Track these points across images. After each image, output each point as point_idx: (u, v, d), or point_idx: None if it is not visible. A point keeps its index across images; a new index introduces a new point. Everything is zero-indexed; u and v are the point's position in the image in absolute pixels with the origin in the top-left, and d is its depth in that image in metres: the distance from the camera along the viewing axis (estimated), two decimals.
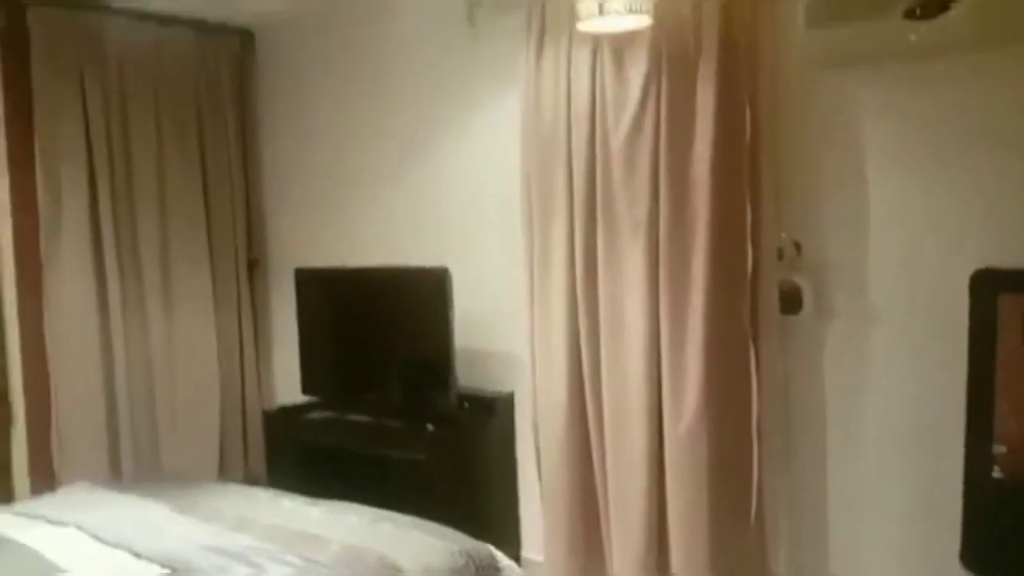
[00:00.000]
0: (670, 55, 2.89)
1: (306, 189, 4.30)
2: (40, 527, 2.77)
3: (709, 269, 2.87)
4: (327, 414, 3.77)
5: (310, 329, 3.89)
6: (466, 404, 3.48)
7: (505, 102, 3.44)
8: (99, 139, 3.84)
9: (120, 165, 3.91)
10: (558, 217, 3.19)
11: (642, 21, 2.64)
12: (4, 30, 3.62)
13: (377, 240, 3.99)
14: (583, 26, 2.69)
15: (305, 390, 3.89)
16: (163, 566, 2.42)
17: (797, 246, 2.89)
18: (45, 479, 3.67)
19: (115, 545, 2.59)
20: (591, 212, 3.11)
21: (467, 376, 3.50)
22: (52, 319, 3.72)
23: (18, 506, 3.07)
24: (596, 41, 3.02)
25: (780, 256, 2.90)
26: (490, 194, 3.58)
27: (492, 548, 2.63)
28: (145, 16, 3.95)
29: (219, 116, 4.28)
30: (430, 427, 3.35)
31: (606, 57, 3.02)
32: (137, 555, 2.51)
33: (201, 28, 4.19)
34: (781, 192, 2.91)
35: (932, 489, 2.67)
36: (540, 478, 3.32)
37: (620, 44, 2.97)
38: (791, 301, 2.90)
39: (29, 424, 3.71)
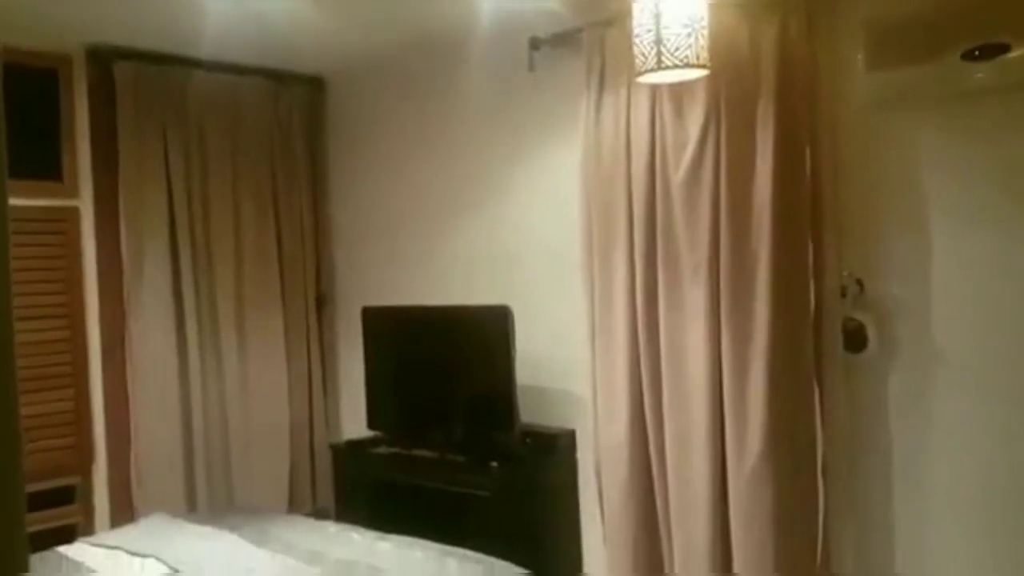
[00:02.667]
0: (728, 97, 2.94)
1: (373, 229, 4.43)
2: (119, 557, 2.90)
3: (771, 308, 2.88)
4: (392, 449, 3.85)
5: (376, 366, 3.99)
6: (528, 441, 3.52)
7: (566, 145, 3.51)
8: (179, 186, 4.02)
9: (198, 211, 4.10)
10: (618, 257, 3.23)
11: (699, 73, 2.69)
12: (92, 85, 3.85)
13: (441, 279, 4.08)
14: (642, 79, 2.75)
15: (371, 425, 3.98)
16: None
17: (860, 284, 2.89)
18: (124, 512, 3.82)
19: None
20: (651, 253, 3.15)
21: (529, 413, 3.54)
22: (134, 361, 3.89)
23: (98, 537, 3.21)
24: (655, 86, 3.08)
25: (843, 294, 2.90)
26: (552, 234, 3.64)
27: None
28: (223, 67, 4.16)
29: (291, 161, 4.46)
30: (494, 464, 3.40)
31: (665, 101, 3.08)
32: None
33: (275, 77, 4.39)
34: (843, 230, 2.92)
35: (1007, 537, 2.61)
36: (602, 517, 3.33)
37: (679, 88, 3.03)
38: (855, 339, 2.89)
39: (110, 459, 3.87)
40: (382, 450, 3.89)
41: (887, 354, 2.85)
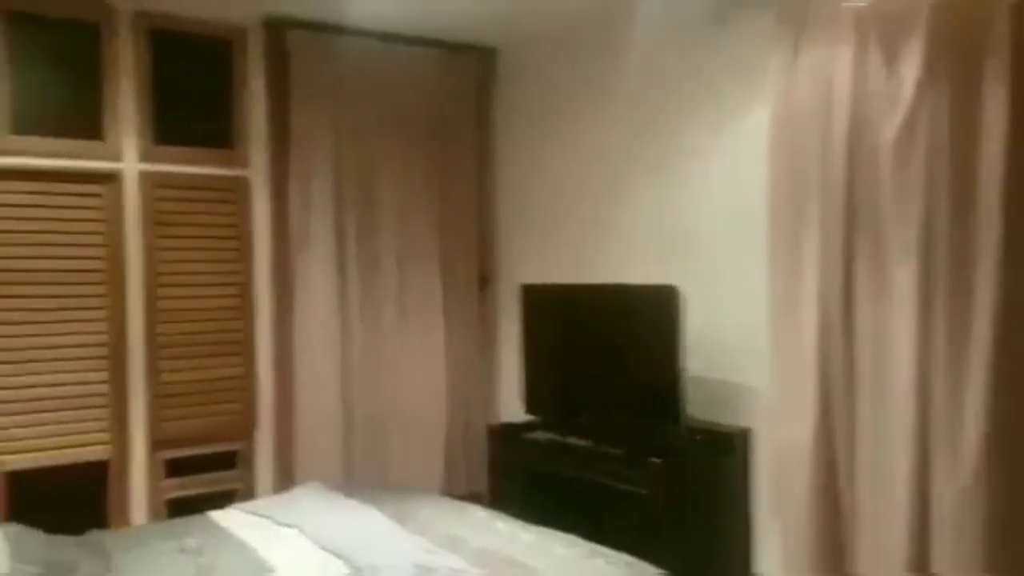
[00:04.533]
0: (952, 46, 2.49)
1: (538, 204, 4.23)
2: (265, 526, 2.86)
3: (997, 296, 2.42)
4: (548, 435, 3.62)
5: (534, 346, 3.78)
6: (697, 437, 3.18)
7: (751, 108, 3.16)
8: (346, 158, 4.00)
9: (364, 183, 4.05)
10: (810, 233, 2.85)
11: None
12: (267, 56, 3.87)
13: (606, 256, 3.82)
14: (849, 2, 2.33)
15: (528, 409, 3.77)
16: None
17: None
18: (285, 479, 3.84)
19: (331, 552, 2.59)
20: (850, 228, 2.77)
21: (699, 407, 3.21)
22: (300, 327, 3.90)
23: (251, 504, 3.20)
24: (861, 34, 2.66)
25: None
26: (731, 208, 3.28)
27: None
28: (394, 38, 4.08)
29: (458, 133, 4.33)
30: (655, 459, 3.09)
31: (873, 50, 2.66)
32: (351, 566, 2.49)
33: (446, 47, 4.26)
34: None
35: None
36: (779, 527, 2.95)
37: (890, 37, 2.60)
38: None
39: (274, 426, 3.89)
40: (537, 435, 3.67)
41: None
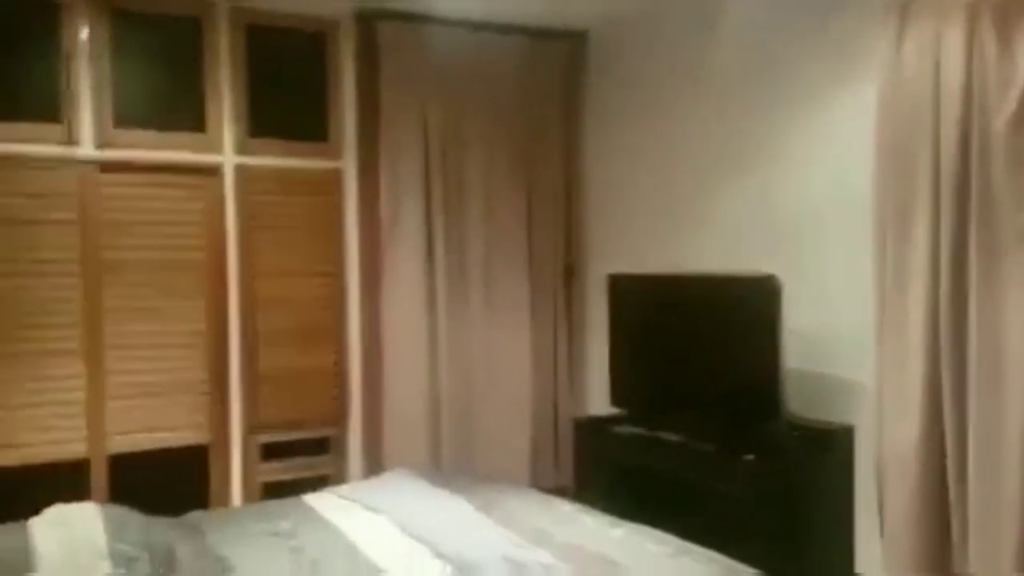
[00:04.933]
0: None
1: (628, 192, 4.14)
2: (355, 511, 2.89)
3: None
4: (636, 429, 3.54)
5: (622, 338, 3.70)
6: (795, 434, 3.05)
7: (855, 93, 3.01)
8: (435, 147, 4.00)
9: (452, 173, 4.06)
10: (919, 222, 2.70)
11: None
12: (358, 48, 3.91)
13: (699, 246, 3.71)
14: None
15: (614, 402, 3.70)
16: (459, 569, 2.36)
17: None
18: (374, 466, 3.88)
19: (418, 538, 2.60)
20: (962, 216, 2.60)
21: (797, 403, 3.08)
22: (388, 317, 3.94)
23: (342, 489, 3.24)
24: (972, 16, 2.51)
25: None
26: (834, 196, 3.13)
27: None
28: (482, 26, 4.06)
29: (546, 121, 4.28)
30: (750, 456, 2.97)
31: (986, 30, 2.51)
32: (436, 554, 2.48)
33: (535, 34, 4.22)
34: None
35: None
36: (882, 530, 2.80)
37: (1004, 18, 2.45)
38: None
39: (364, 413, 3.95)
40: (624, 429, 3.59)
41: None
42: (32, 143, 3.30)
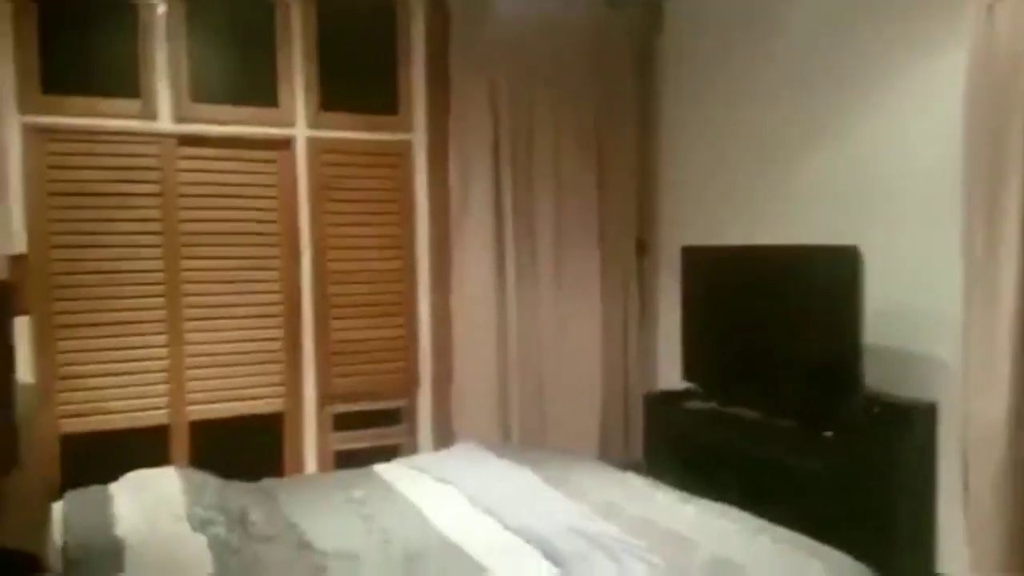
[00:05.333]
0: None
1: (703, 163, 4.04)
2: (425, 482, 2.91)
3: None
4: (708, 405, 3.48)
5: (695, 311, 3.62)
6: (876, 410, 2.94)
7: (943, 56, 2.86)
8: (504, 118, 3.96)
9: (521, 144, 4.01)
10: (1011, 190, 2.55)
11: None
12: (428, 19, 3.89)
13: (776, 216, 3.59)
14: None
15: (686, 377, 3.63)
16: (527, 541, 2.36)
17: None
18: (444, 437, 3.91)
19: (486, 510, 2.61)
20: None
21: (877, 378, 2.97)
22: (457, 289, 3.95)
23: (412, 460, 3.27)
24: None
25: None
26: (919, 164, 2.99)
27: None
28: None
29: (619, 90, 4.19)
30: (828, 433, 2.88)
31: None
32: (504, 525, 2.49)
33: (609, 1, 4.13)
34: None
35: None
36: (966, 511, 2.69)
37: None
38: None
39: (434, 385, 3.97)
40: (696, 405, 3.53)
41: None
42: (113, 118, 3.39)
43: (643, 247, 4.31)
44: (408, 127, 3.93)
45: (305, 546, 2.39)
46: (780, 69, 3.57)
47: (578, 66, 4.10)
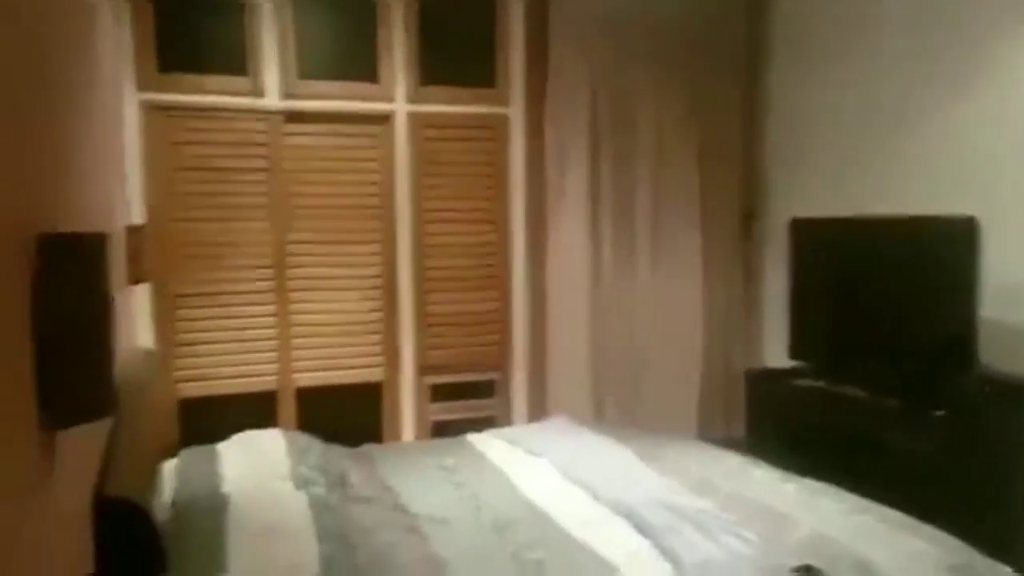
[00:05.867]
0: None
1: (813, 131, 3.86)
2: (517, 453, 2.93)
3: None
4: (816, 383, 3.35)
5: (803, 286, 3.48)
6: (987, 389, 2.76)
7: None
8: (602, 89, 3.90)
9: (620, 114, 3.94)
10: None
11: None
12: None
13: (889, 187, 3.40)
14: None
15: (792, 354, 3.51)
16: (616, 513, 2.34)
17: None
18: (537, 411, 3.92)
19: (576, 482, 2.60)
20: None
21: (993, 355, 2.78)
22: (552, 262, 3.93)
23: (505, 431, 3.29)
24: None
25: None
26: None
27: (1009, 571, 2.01)
28: None
29: (724, 57, 4.05)
30: (940, 412, 2.73)
31: None
32: (595, 497, 2.48)
33: None
34: None
35: None
36: None
37: None
38: None
39: (528, 359, 3.98)
40: (803, 383, 3.40)
41: None
42: (224, 95, 3.52)
43: (750, 219, 4.18)
44: (505, 101, 3.92)
45: (399, 508, 2.45)
46: (898, 30, 3.37)
47: (683, 31, 3.99)
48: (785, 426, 3.41)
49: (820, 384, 3.34)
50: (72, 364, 1.00)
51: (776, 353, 3.69)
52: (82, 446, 1.27)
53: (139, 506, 1.50)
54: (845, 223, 3.37)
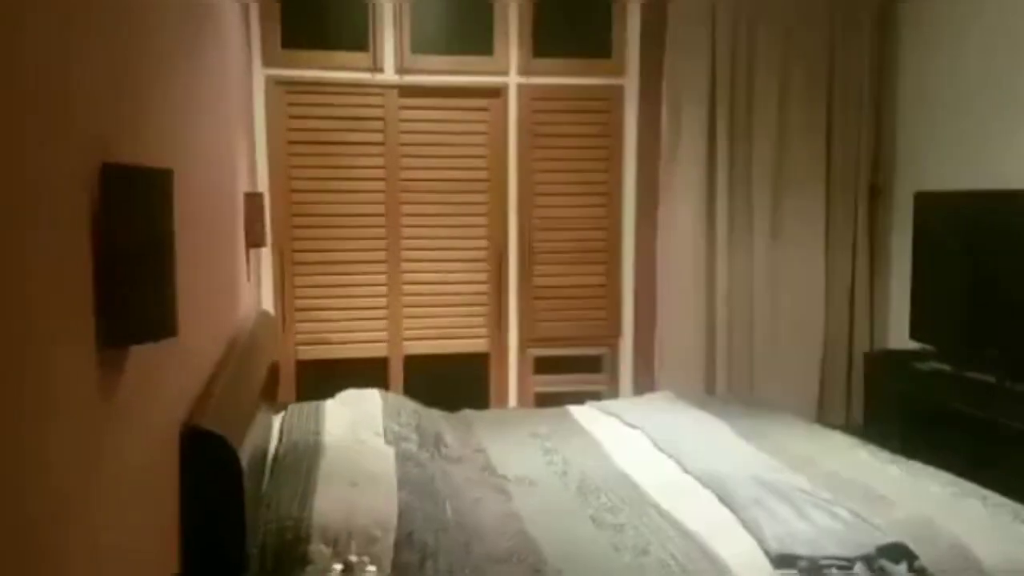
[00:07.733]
0: None
1: (945, 102, 3.60)
2: (612, 423, 2.91)
3: None
4: (940, 367, 3.14)
5: (927, 264, 3.27)
6: None
7: None
8: (722, 58, 3.79)
9: (741, 83, 3.81)
10: None
11: None
12: None
13: (1021, 161, 3.13)
14: None
15: (914, 336, 3.30)
16: (704, 485, 2.29)
17: None
18: (645, 386, 3.86)
19: (668, 454, 2.56)
20: None
21: None
22: (663, 237, 3.85)
23: (604, 404, 3.26)
24: None
25: None
26: None
27: None
28: None
29: (853, 23, 3.84)
30: None
31: None
32: (684, 469, 2.43)
33: None
34: None
35: None
36: None
37: None
38: None
39: (636, 334, 3.93)
40: (926, 366, 3.20)
41: None
42: (343, 70, 3.65)
43: (877, 192, 3.95)
44: (620, 71, 3.87)
45: (488, 469, 2.49)
46: None
47: (806, 4, 3.81)
48: (906, 411, 3.22)
49: (945, 367, 3.13)
50: (132, 288, 1.07)
51: (900, 334, 3.47)
52: (155, 375, 1.36)
53: (223, 438, 1.59)
54: (972, 196, 3.13)
